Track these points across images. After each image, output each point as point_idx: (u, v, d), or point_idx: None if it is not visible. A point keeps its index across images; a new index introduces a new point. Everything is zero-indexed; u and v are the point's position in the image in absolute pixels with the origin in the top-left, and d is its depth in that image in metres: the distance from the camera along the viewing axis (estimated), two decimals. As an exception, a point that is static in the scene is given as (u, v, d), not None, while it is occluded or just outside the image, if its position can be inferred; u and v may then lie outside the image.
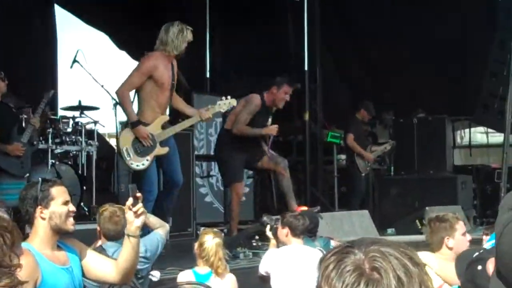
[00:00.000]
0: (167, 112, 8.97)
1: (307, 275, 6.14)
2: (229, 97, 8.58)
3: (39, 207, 4.33)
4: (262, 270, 6.37)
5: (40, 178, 4.49)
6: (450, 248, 5.12)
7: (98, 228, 5.70)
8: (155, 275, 6.06)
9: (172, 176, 8.45)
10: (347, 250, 1.60)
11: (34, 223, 4.34)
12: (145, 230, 5.73)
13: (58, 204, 4.35)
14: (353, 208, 12.03)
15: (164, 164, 8.45)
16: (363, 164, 12.56)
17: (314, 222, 7.12)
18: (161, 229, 5.86)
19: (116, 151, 8.85)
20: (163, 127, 8.37)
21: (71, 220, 4.40)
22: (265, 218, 6.96)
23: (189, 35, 8.23)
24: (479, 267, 2.71)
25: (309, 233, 6.73)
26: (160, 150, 8.29)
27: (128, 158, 8.14)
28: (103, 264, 4.49)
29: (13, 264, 1.04)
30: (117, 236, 5.50)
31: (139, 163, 8.18)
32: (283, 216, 6.58)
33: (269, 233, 6.82)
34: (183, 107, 8.75)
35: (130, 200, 4.35)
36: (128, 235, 4.38)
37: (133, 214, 4.33)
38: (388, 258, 1.56)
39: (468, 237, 5.32)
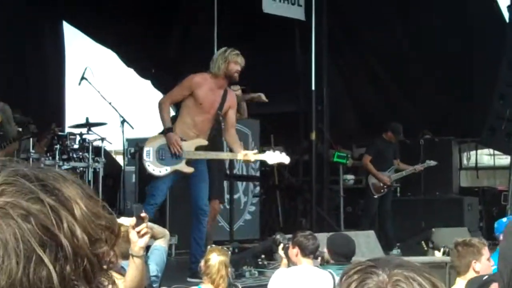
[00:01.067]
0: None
1: None
2: (282, 153, 8.19)
3: None
4: None
5: None
6: (477, 272, 5.29)
7: None
8: None
9: (197, 201, 8.26)
10: (370, 270, 1.58)
11: None
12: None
13: None
14: (362, 228, 11.92)
15: (191, 188, 8.32)
16: (377, 186, 12.32)
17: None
18: (163, 241, 5.85)
19: (122, 168, 8.84)
20: (197, 149, 8.20)
21: None
22: (278, 236, 6.93)
23: (231, 56, 8.17)
24: None
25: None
26: (184, 168, 8.13)
27: (146, 159, 8.05)
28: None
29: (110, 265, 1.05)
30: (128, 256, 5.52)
31: (156, 169, 8.07)
32: (295, 235, 6.56)
33: (281, 252, 6.78)
34: (232, 142, 8.38)
35: (133, 220, 4.35)
36: (132, 255, 4.38)
37: (136, 234, 4.33)
38: (412, 284, 1.54)
39: (492, 261, 5.41)
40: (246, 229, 12.24)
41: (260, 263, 9.11)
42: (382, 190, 12.30)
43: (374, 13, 14.30)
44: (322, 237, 9.09)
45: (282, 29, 13.87)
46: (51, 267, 1.09)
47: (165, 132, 8.14)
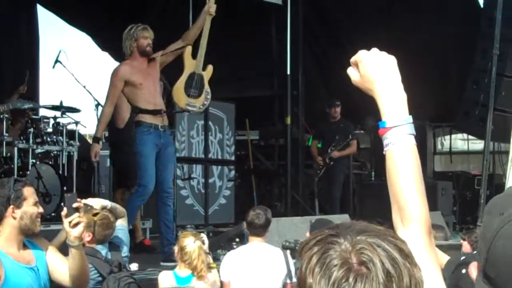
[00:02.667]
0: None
1: (268, 274, 6.15)
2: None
3: (12, 206, 4.36)
4: (224, 277, 6.37)
5: (12, 178, 4.52)
6: None
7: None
8: (133, 268, 6.12)
9: (163, 183, 8.33)
10: (331, 240, 1.51)
11: (2, 222, 4.35)
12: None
13: (30, 205, 4.40)
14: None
15: (159, 168, 8.34)
16: (316, 167, 12.60)
17: None
18: (124, 220, 5.88)
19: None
20: (193, 58, 8.47)
21: (39, 221, 4.47)
22: (284, 243, 6.95)
23: (138, 32, 8.28)
24: (463, 271, 2.74)
25: None
26: (208, 73, 8.55)
27: (194, 109, 8.27)
28: (63, 268, 4.47)
29: None
30: (105, 240, 5.54)
31: (204, 101, 8.36)
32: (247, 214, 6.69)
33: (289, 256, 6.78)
34: (194, 28, 8.79)
35: (65, 210, 4.35)
36: (69, 246, 4.35)
37: (69, 224, 4.31)
38: (376, 250, 1.48)
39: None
40: (221, 213, 12.26)
41: (235, 246, 9.12)
42: (318, 171, 12.51)
43: (350, 1, 14.33)
44: (297, 221, 9.15)
45: (258, 13, 13.85)
46: None
47: (93, 139, 8.18)
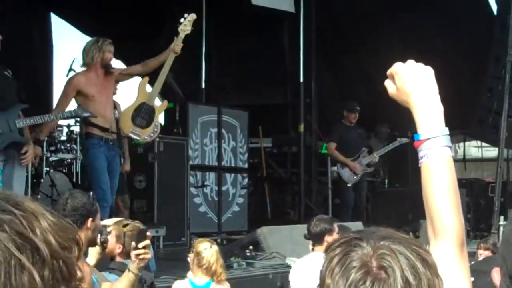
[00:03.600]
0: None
1: None
2: (185, 14, 8.57)
3: (90, 218, 4.47)
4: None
5: (90, 192, 4.66)
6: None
7: (115, 242, 5.39)
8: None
9: (107, 192, 8.38)
10: (354, 243, 1.51)
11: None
12: None
13: (98, 219, 4.49)
14: (344, 220, 11.85)
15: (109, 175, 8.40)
16: (348, 175, 12.21)
17: None
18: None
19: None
20: (147, 89, 8.51)
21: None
22: (306, 233, 6.88)
23: (105, 46, 8.28)
24: (472, 279, 2.73)
25: None
26: (161, 107, 8.62)
27: (138, 138, 8.25)
28: None
29: (78, 277, 1.05)
30: None
31: (150, 133, 8.28)
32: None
33: (311, 247, 6.67)
34: (156, 60, 8.65)
35: (133, 244, 4.45)
36: (129, 270, 4.42)
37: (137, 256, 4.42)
38: (398, 257, 1.48)
39: None
40: (234, 221, 12.25)
41: (248, 254, 9.14)
42: (354, 177, 12.20)
43: (362, 8, 14.31)
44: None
45: (271, 22, 13.88)
46: (31, 267, 1.12)
47: (35, 142, 8.09)
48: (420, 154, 2.03)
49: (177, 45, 8.42)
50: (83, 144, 8.58)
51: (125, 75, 8.69)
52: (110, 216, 8.81)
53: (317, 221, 6.38)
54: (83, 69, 8.33)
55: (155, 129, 8.37)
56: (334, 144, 12.24)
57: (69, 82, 8.30)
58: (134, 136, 8.25)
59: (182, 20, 8.52)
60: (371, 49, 14.79)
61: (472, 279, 2.82)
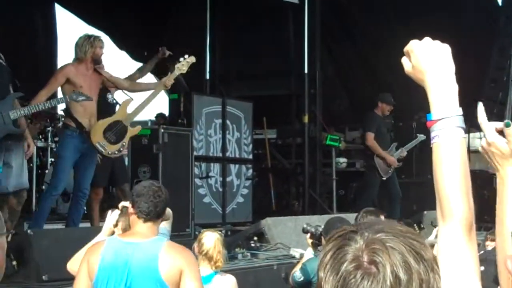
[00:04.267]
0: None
1: None
2: (186, 55, 8.74)
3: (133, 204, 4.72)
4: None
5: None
6: None
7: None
8: None
9: (80, 183, 8.50)
10: (349, 236, 1.52)
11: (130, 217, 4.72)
12: None
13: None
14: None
15: (80, 169, 8.53)
16: (384, 167, 11.85)
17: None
18: (168, 223, 5.72)
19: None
20: (128, 109, 8.63)
21: None
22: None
23: (97, 42, 8.49)
24: (482, 268, 2.72)
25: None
26: (133, 131, 8.61)
27: (103, 151, 8.32)
28: None
29: None
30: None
31: (116, 149, 8.41)
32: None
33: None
34: (146, 86, 9.12)
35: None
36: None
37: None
38: (389, 252, 1.48)
39: None
40: (239, 212, 12.26)
41: (252, 245, 9.16)
42: (389, 171, 11.97)
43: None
44: (315, 220, 9.16)
45: (275, 12, 13.87)
46: None
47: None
48: (432, 134, 1.97)
49: (169, 80, 8.64)
50: (59, 133, 8.66)
51: (110, 83, 8.90)
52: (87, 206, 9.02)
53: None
54: None
55: (121, 148, 8.55)
56: (372, 135, 11.83)
57: (61, 69, 8.52)
58: (99, 148, 8.32)
59: (181, 59, 8.73)
60: (375, 39, 14.78)
61: (482, 268, 2.82)
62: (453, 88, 2.01)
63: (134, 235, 4.63)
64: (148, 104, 8.82)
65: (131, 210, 4.73)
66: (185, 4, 14.34)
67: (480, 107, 2.22)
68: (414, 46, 2.03)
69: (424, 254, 1.52)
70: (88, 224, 9.18)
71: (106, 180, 9.72)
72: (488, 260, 2.73)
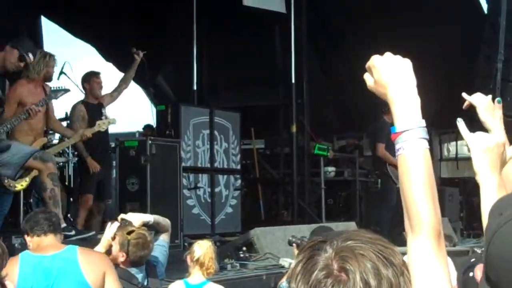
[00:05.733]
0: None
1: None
2: (108, 116, 9.09)
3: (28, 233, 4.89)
4: None
5: None
6: None
7: (118, 250, 5.16)
8: None
9: None
10: (319, 246, 1.55)
11: None
12: None
13: None
14: (385, 226, 11.12)
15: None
16: (396, 174, 11.60)
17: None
18: (167, 235, 5.68)
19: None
20: (44, 148, 8.62)
21: None
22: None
23: (52, 62, 8.56)
24: (471, 274, 2.71)
25: None
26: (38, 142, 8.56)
27: (6, 181, 7.90)
28: None
29: None
30: (140, 262, 5.19)
31: (21, 183, 7.99)
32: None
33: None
34: (62, 130, 9.40)
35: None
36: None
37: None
38: (358, 259, 1.50)
39: None
40: (227, 222, 12.24)
41: (241, 255, 9.14)
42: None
43: (353, 9, 14.33)
44: (304, 229, 9.15)
45: (262, 23, 13.88)
46: None
47: None
48: (397, 146, 2.00)
49: (86, 133, 8.79)
50: None
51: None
52: None
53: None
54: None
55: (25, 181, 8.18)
56: (382, 145, 11.62)
57: (13, 92, 8.34)
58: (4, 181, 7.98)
59: (103, 118, 9.06)
60: (361, 49, 14.80)
61: (471, 274, 2.79)
62: (415, 100, 2.03)
63: (46, 248, 4.63)
64: (60, 149, 9.38)
65: (27, 238, 4.79)
66: (172, 16, 14.34)
67: (461, 125, 2.27)
68: (376, 61, 2.08)
69: (393, 259, 1.54)
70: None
71: (94, 188, 9.75)
72: (476, 266, 2.71)
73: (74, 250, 4.61)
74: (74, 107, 9.92)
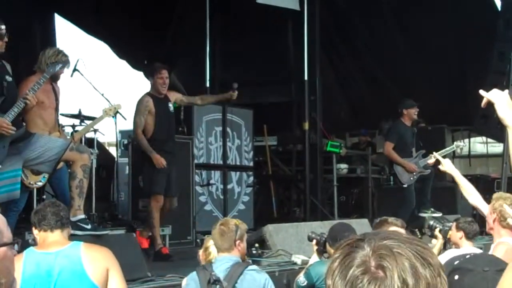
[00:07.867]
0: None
1: None
2: (114, 102, 8.52)
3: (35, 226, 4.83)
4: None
5: None
6: None
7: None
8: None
9: (64, 193, 8.31)
10: (357, 244, 1.55)
11: None
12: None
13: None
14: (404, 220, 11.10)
15: (56, 181, 8.50)
16: (405, 175, 11.66)
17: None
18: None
19: (115, 159, 8.90)
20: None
21: None
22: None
23: (63, 58, 8.31)
24: (456, 277, 2.70)
25: None
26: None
27: (26, 179, 7.74)
28: None
29: None
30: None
31: (38, 181, 7.83)
32: (458, 221, 7.22)
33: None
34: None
35: None
36: None
37: None
38: (396, 257, 1.50)
39: None
40: (240, 219, 12.20)
41: (254, 252, 9.14)
42: (411, 178, 11.73)
43: (367, 6, 14.31)
44: (316, 226, 9.15)
45: (275, 19, 13.88)
46: None
47: None
48: None
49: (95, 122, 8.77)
50: None
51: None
52: None
53: (473, 223, 7.11)
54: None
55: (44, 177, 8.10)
56: (391, 145, 11.65)
57: (25, 86, 8.09)
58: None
59: (109, 105, 8.40)
60: (375, 47, 14.79)
61: (456, 277, 2.75)
62: None
63: (50, 245, 4.63)
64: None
65: (35, 231, 4.75)
66: (185, 13, 14.35)
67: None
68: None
69: (430, 260, 1.53)
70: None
71: (163, 187, 9.30)
72: (462, 269, 2.67)
73: (78, 246, 4.61)
74: (140, 100, 9.50)
